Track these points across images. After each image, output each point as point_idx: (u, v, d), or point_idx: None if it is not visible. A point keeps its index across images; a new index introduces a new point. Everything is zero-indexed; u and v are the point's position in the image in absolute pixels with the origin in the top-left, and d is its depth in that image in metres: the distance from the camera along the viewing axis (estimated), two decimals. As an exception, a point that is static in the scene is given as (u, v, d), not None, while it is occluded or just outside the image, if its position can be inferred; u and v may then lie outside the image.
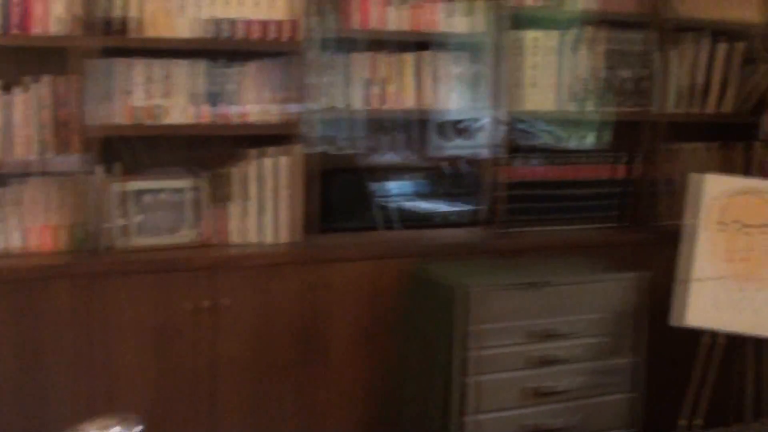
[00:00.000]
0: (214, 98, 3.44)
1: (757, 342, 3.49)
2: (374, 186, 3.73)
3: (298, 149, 3.52)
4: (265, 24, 3.43)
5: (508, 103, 3.80)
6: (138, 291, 3.27)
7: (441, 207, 3.89)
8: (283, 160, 3.53)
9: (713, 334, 3.45)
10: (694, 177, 3.63)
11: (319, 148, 3.61)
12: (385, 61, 3.65)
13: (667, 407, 3.79)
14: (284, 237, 3.55)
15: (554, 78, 3.92)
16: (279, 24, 3.44)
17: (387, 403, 3.59)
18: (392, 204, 3.79)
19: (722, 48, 4.25)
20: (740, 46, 4.28)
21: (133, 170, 3.44)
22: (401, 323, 3.52)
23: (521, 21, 3.84)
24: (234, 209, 3.52)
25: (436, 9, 3.66)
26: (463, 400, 3.23)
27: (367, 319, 3.57)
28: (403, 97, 3.68)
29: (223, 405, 3.41)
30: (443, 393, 3.27)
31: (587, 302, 3.43)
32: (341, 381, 3.57)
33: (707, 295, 3.46)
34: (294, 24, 3.46)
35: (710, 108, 4.26)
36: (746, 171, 4.35)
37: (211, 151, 3.56)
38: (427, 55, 3.71)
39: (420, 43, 3.71)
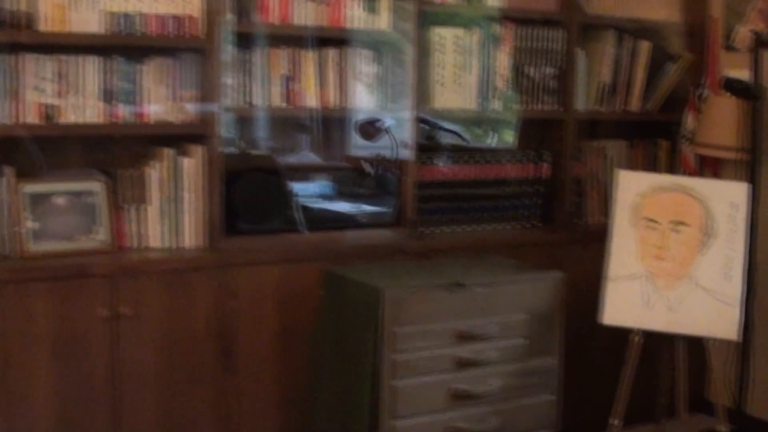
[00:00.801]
0: (117, 97, 3.30)
1: (672, 340, 3.48)
2: (287, 187, 3.61)
3: (207, 149, 3.39)
4: (171, 19, 3.30)
5: (418, 102, 3.74)
6: (35, 300, 3.09)
7: (355, 208, 3.80)
8: (191, 161, 3.39)
9: (637, 333, 3.43)
10: (614, 174, 3.61)
11: (229, 148, 3.49)
12: (295, 59, 3.54)
13: (598, 406, 3.79)
14: (192, 241, 3.42)
15: (465, 76, 3.87)
16: (186, 19, 3.31)
17: (304, 411, 3.48)
18: (306, 205, 3.68)
19: (635, 46, 4.27)
20: (652, 44, 4.31)
21: (29, 173, 3.27)
22: (317, 328, 3.41)
23: (431, 18, 3.78)
24: (139, 213, 3.38)
25: (345, 5, 3.57)
26: (380, 405, 3.13)
27: (281, 325, 3.46)
28: (314, 95, 3.58)
29: (129, 419, 3.26)
30: (360, 399, 3.17)
31: (507, 303, 3.37)
32: (255, 389, 3.45)
33: (622, 294, 3.44)
34: (202, 20, 3.33)
35: (630, 106, 4.29)
36: (669, 168, 4.39)
37: (115, 153, 3.42)
38: (338, 52, 3.62)
39: (330, 39, 3.62)
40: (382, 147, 3.81)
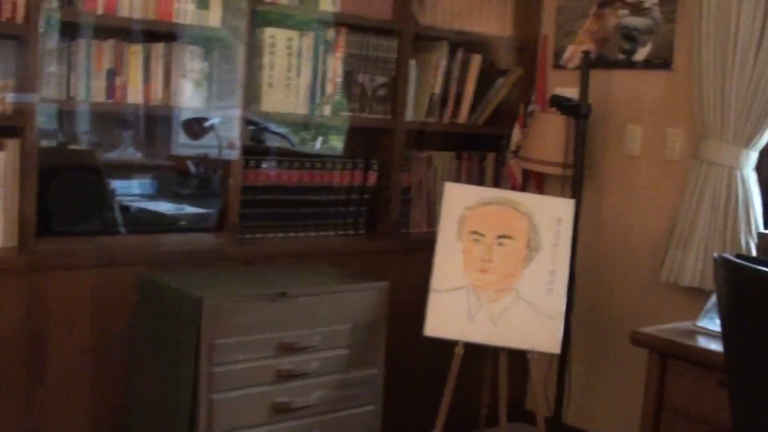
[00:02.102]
0: None
1: (495, 352, 3.50)
2: (107, 186, 3.44)
3: (22, 143, 3.17)
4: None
5: (247, 103, 3.63)
6: None
7: (178, 209, 3.65)
8: (3, 155, 3.17)
9: (460, 345, 3.43)
10: (442, 186, 3.60)
11: (47, 143, 3.28)
12: (120, 51, 3.37)
13: (420, 416, 3.78)
14: (0, 241, 3.19)
15: (294, 79, 3.79)
16: (3, 2, 3.09)
17: (119, 424, 3.33)
18: (126, 205, 3.51)
19: (466, 59, 4.29)
20: (483, 58, 4.34)
21: None
22: (133, 337, 3.26)
23: (263, 18, 3.68)
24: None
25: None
26: (198, 419, 3.02)
27: (96, 333, 3.28)
28: (139, 91, 3.42)
29: None
30: (178, 412, 3.05)
31: (330, 313, 3.32)
32: (67, 401, 3.26)
33: (446, 306, 3.43)
34: (22, 4, 3.11)
35: (459, 118, 4.31)
36: (495, 181, 4.44)
37: None
38: (165, 47, 3.46)
39: (158, 33, 3.46)
40: (208, 147, 3.68)
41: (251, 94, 3.66)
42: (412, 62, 4.11)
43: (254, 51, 3.66)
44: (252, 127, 3.79)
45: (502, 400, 3.50)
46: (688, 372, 2.97)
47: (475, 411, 3.70)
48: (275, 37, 3.72)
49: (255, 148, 3.80)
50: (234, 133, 3.61)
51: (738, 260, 2.27)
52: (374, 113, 4.02)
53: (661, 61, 3.99)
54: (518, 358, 3.71)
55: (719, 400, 2.82)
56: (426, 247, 3.76)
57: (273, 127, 3.95)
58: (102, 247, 3.35)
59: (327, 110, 3.90)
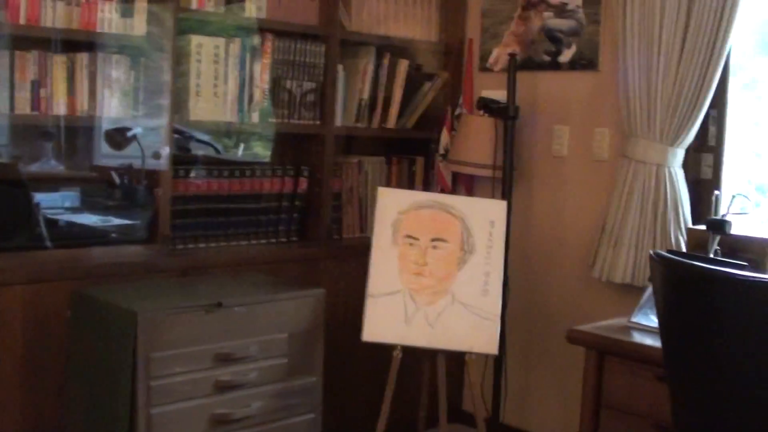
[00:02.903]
0: None
1: (433, 354, 3.50)
2: (31, 199, 3.35)
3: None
4: None
5: (174, 112, 3.57)
6: None
7: (104, 222, 3.58)
8: None
9: (397, 348, 3.42)
10: (375, 191, 3.59)
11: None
12: (44, 63, 3.30)
13: (360, 421, 3.76)
14: None
15: (221, 87, 3.75)
16: None
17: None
18: (52, 219, 3.43)
19: (394, 64, 4.30)
20: (410, 63, 4.35)
21: None
22: (68, 354, 3.19)
23: (188, 26, 3.64)
24: None
25: (98, 8, 3.36)
26: (137, 434, 2.97)
27: (28, 351, 3.20)
28: (63, 102, 3.35)
29: None
30: (115, 427, 2.99)
31: (266, 323, 3.29)
32: (1, 420, 3.16)
33: (383, 310, 3.43)
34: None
35: (388, 123, 4.31)
36: (425, 184, 4.45)
37: None
38: (89, 57, 3.40)
39: (81, 43, 3.39)
40: (132, 157, 3.61)
41: (179, 102, 3.62)
42: (340, 68, 4.10)
43: (180, 59, 3.62)
44: (177, 136, 3.74)
45: (441, 403, 3.51)
46: (625, 368, 3.01)
47: (415, 414, 3.70)
48: (201, 44, 3.68)
49: (182, 158, 3.75)
50: (161, 143, 3.56)
51: (674, 256, 2.31)
52: (303, 119, 4.00)
53: (586, 62, 4.05)
54: (455, 359, 3.73)
55: (657, 395, 2.87)
56: (359, 252, 3.76)
57: (198, 135, 3.91)
58: (30, 263, 3.27)
59: (255, 117, 3.87)
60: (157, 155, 3.57)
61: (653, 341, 2.90)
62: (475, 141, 4.16)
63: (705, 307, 2.15)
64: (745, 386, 2.11)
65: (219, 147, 4.04)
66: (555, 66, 4.16)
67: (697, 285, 2.16)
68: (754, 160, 3.90)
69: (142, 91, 3.54)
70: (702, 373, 2.23)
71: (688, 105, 3.59)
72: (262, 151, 4.15)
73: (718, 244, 3.20)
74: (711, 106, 3.66)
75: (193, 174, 3.73)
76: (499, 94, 4.12)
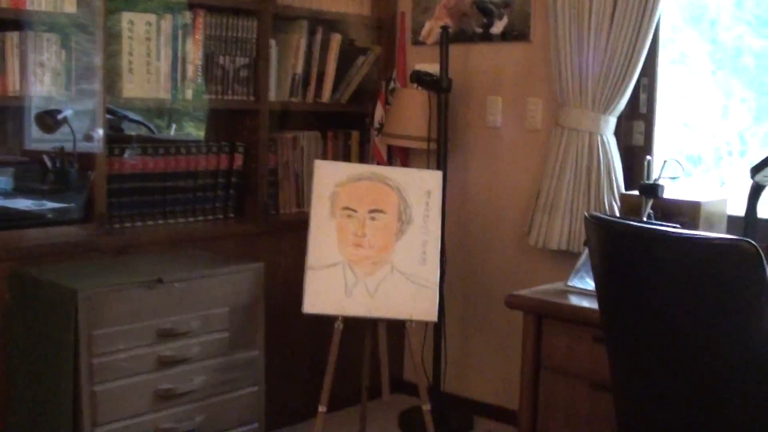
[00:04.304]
0: None
1: (374, 324, 3.53)
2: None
3: None
4: None
5: (107, 91, 3.54)
6: None
7: (38, 206, 3.53)
8: None
9: (339, 319, 3.44)
10: (312, 165, 3.60)
11: None
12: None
13: (304, 394, 3.78)
14: None
15: (154, 64, 3.73)
16: None
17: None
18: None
19: (327, 38, 4.30)
20: (343, 37, 4.36)
21: None
22: (7, 335, 3.16)
23: (119, 3, 3.60)
24: None
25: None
26: (82, 412, 2.95)
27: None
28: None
29: None
30: (61, 407, 2.98)
31: (207, 297, 3.30)
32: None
33: (323, 282, 3.44)
34: None
35: (322, 97, 4.32)
36: (361, 158, 4.46)
37: None
38: (18, 36, 3.34)
39: (10, 22, 3.34)
40: (64, 140, 3.57)
41: (111, 81, 3.58)
42: (273, 43, 4.09)
43: (112, 37, 3.58)
44: (110, 116, 3.71)
45: (383, 373, 3.54)
46: (563, 330, 3.07)
47: (358, 385, 3.73)
48: (133, 21, 3.65)
49: (116, 137, 3.73)
50: (95, 123, 3.52)
51: (608, 217, 2.37)
52: (237, 95, 3.99)
53: (518, 34, 4.09)
54: (397, 330, 3.77)
55: (595, 355, 2.94)
56: (297, 227, 3.78)
57: (130, 114, 3.88)
58: (-36, 246, 3.23)
59: (189, 94, 3.85)
60: (89, 137, 3.53)
61: (590, 303, 2.96)
62: (409, 114, 4.19)
63: (641, 265, 2.20)
64: (681, 341, 2.17)
65: (152, 127, 4.01)
66: (487, 38, 4.20)
67: (633, 243, 2.21)
68: (685, 130, 3.99)
69: (74, 70, 3.49)
70: (639, 330, 2.28)
71: (620, 73, 3.66)
72: (195, 131, 4.14)
73: (651, 208, 3.26)
74: (642, 75, 3.73)
75: (127, 153, 3.70)
76: (433, 67, 4.15)
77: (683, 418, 2.23)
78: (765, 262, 2.01)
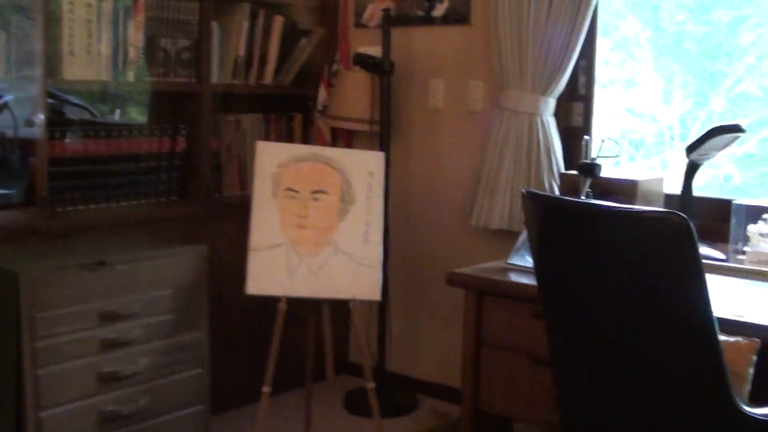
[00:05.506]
0: None
1: (318, 305, 3.56)
2: None
3: None
4: None
5: (47, 74, 3.51)
6: None
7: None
8: None
9: (282, 300, 3.46)
10: (254, 146, 3.60)
11: None
12: None
13: (248, 376, 3.79)
14: None
15: (95, 46, 3.70)
16: None
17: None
18: None
19: (269, 20, 4.30)
20: (285, 19, 4.36)
21: None
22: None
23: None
24: None
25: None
26: (25, 397, 2.94)
27: None
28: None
29: None
30: (4, 392, 2.97)
31: (150, 279, 3.30)
32: None
33: (266, 263, 3.46)
34: None
35: (265, 80, 4.32)
36: (304, 141, 4.48)
37: None
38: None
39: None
40: (5, 126, 3.54)
41: (52, 64, 3.56)
42: (215, 24, 4.09)
43: (52, 19, 3.55)
44: (51, 101, 3.68)
45: (327, 354, 3.57)
46: (503, 307, 3.13)
47: (302, 366, 3.75)
48: (73, 3, 3.62)
49: (58, 121, 3.70)
50: (36, 107, 3.50)
51: (543, 193, 2.41)
52: (179, 77, 3.98)
53: (459, 17, 4.13)
54: (341, 312, 3.79)
55: (534, 330, 2.99)
56: (240, 209, 3.78)
57: (72, 98, 3.86)
58: None
59: (131, 76, 3.83)
60: (30, 122, 3.51)
61: (529, 280, 3.01)
62: (352, 96, 4.21)
63: (576, 240, 2.25)
64: (616, 313, 2.23)
65: (95, 111, 3.99)
66: (429, 21, 4.23)
67: (568, 218, 2.26)
68: (628, 116, 4.07)
69: (14, 53, 3.47)
70: (575, 303, 2.34)
71: (558, 55, 3.71)
72: (137, 115, 4.12)
73: (590, 187, 3.32)
74: (580, 57, 3.79)
75: (69, 137, 3.68)
76: (375, 50, 4.17)
77: (619, 388, 2.29)
78: (695, 235, 2.07)
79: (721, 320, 2.19)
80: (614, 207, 2.19)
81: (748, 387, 2.37)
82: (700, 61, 3.93)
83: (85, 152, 3.74)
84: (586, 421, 2.43)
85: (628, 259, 2.17)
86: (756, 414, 2.13)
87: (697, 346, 2.11)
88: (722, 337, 2.16)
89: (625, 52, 4.08)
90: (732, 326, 2.46)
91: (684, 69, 3.95)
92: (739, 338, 2.40)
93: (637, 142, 4.10)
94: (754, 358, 2.39)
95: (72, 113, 3.88)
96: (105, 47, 3.73)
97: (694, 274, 2.09)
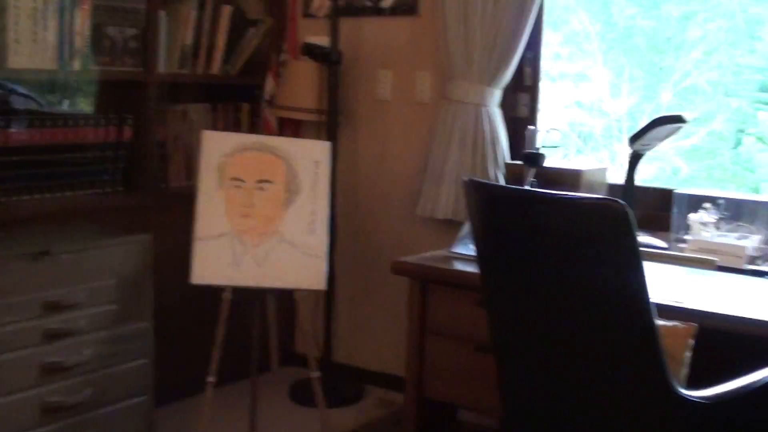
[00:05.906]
0: None
1: (263, 295, 3.55)
2: None
3: None
4: None
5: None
6: None
7: None
8: None
9: (227, 290, 3.45)
10: (200, 135, 3.59)
11: None
12: None
13: (193, 366, 3.78)
14: None
15: (41, 34, 3.66)
16: None
17: None
18: None
19: (217, 9, 4.28)
20: (233, 8, 4.34)
21: None
22: None
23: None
24: None
25: None
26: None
27: None
28: None
29: None
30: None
31: (94, 269, 3.28)
32: None
33: (211, 253, 3.45)
34: None
35: (212, 69, 4.30)
36: (251, 131, 4.46)
37: None
38: None
39: None
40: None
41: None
42: (162, 13, 4.06)
43: (-3, 5, 3.51)
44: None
45: (272, 345, 3.57)
46: (447, 295, 3.14)
47: (247, 357, 3.74)
48: (16, -10, 3.59)
49: (2, 110, 3.65)
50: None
51: (485, 181, 2.43)
52: (126, 66, 3.95)
53: (407, 8, 4.14)
54: (287, 304, 3.78)
55: (477, 318, 3.01)
56: (186, 200, 3.75)
57: (19, 88, 3.81)
58: None
59: (77, 65, 3.79)
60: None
61: (472, 269, 3.02)
62: (300, 87, 4.21)
63: (518, 227, 2.27)
64: (556, 299, 2.25)
65: (42, 101, 3.95)
66: (377, 11, 4.24)
67: (509, 205, 2.28)
68: (576, 109, 4.11)
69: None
70: (516, 290, 2.35)
71: (505, 46, 3.74)
72: (85, 106, 4.08)
73: (534, 177, 3.35)
74: (526, 49, 3.81)
75: (13, 126, 3.64)
76: (323, 40, 4.17)
77: (559, 373, 2.31)
78: (633, 222, 2.09)
79: (660, 306, 2.22)
80: (554, 194, 2.21)
81: (685, 370, 2.41)
82: (649, 55, 3.97)
83: (29, 142, 3.70)
84: (527, 406, 2.45)
85: (568, 245, 2.19)
86: (692, 396, 2.16)
87: (633, 330, 2.14)
88: (660, 322, 2.18)
89: (575, 46, 4.11)
90: (671, 312, 2.50)
91: (633, 63, 3.99)
92: (677, 323, 2.44)
93: (586, 135, 4.14)
94: (692, 342, 2.42)
95: (18, 103, 3.82)
96: (51, 36, 3.68)
97: (631, 260, 2.11)
